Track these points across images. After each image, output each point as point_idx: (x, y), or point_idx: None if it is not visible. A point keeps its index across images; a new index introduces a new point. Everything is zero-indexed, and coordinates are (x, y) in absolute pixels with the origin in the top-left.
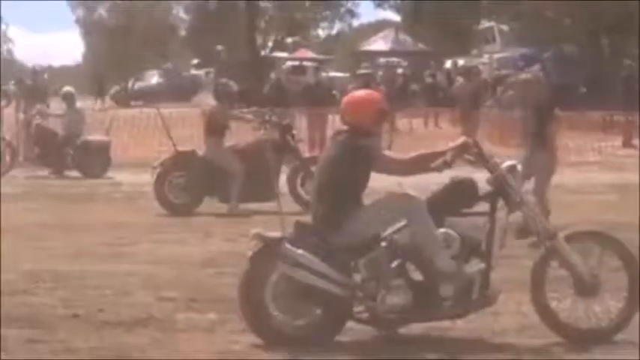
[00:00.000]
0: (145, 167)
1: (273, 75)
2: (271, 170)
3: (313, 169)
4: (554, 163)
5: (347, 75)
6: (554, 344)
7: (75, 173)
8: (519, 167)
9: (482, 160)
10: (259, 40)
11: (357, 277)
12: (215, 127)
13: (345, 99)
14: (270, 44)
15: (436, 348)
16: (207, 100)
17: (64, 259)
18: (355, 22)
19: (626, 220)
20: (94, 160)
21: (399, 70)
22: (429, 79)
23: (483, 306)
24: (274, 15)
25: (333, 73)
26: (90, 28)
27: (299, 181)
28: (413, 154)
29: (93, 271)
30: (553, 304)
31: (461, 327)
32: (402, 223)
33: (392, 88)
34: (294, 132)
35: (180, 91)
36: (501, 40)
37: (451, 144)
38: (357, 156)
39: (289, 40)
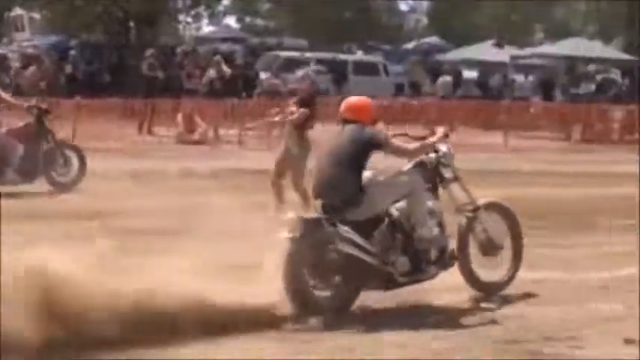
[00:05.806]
0: None
1: None
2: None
3: (66, 151)
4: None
5: None
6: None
7: None
8: (451, 150)
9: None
10: None
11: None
12: None
13: (350, 101)
14: None
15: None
16: None
17: None
18: None
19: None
20: None
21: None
22: None
23: (450, 266)
24: None
25: None
26: None
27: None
28: (416, 144)
29: None
30: (474, 266)
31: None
32: (404, 198)
33: None
34: (50, 117)
35: None
36: (30, 27)
37: (435, 136)
38: (371, 142)
39: None
